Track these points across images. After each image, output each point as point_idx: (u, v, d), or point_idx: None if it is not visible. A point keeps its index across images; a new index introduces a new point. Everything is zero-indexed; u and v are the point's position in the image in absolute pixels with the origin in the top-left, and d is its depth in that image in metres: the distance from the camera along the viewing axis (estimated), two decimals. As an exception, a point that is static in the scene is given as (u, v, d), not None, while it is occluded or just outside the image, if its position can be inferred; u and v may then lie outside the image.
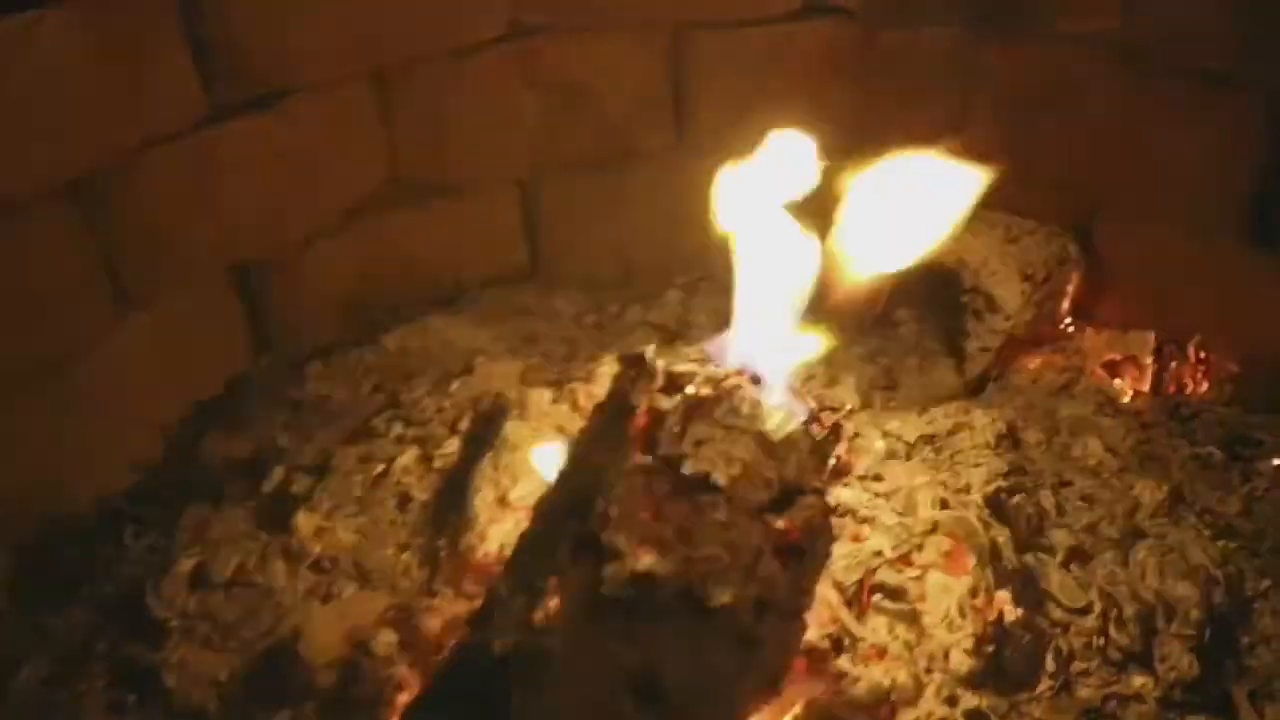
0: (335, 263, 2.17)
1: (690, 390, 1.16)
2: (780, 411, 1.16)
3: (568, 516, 1.16)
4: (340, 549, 1.65)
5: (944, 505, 1.58)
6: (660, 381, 1.18)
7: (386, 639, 1.46)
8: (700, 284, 2.29)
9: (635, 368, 1.18)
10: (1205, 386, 2.11)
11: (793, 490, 1.16)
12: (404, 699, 1.37)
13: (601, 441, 1.19)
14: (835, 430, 1.31)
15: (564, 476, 1.24)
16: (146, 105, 1.79)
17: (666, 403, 1.15)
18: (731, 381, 1.16)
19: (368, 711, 1.39)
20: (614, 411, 1.19)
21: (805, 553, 1.18)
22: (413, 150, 2.18)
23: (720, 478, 1.12)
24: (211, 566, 1.67)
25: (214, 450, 1.92)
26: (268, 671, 1.52)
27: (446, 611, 1.49)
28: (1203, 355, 2.14)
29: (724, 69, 2.26)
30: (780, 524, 1.14)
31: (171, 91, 1.84)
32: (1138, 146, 2.09)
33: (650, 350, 1.18)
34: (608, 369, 1.69)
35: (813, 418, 1.23)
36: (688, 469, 1.12)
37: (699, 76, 2.29)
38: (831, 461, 1.22)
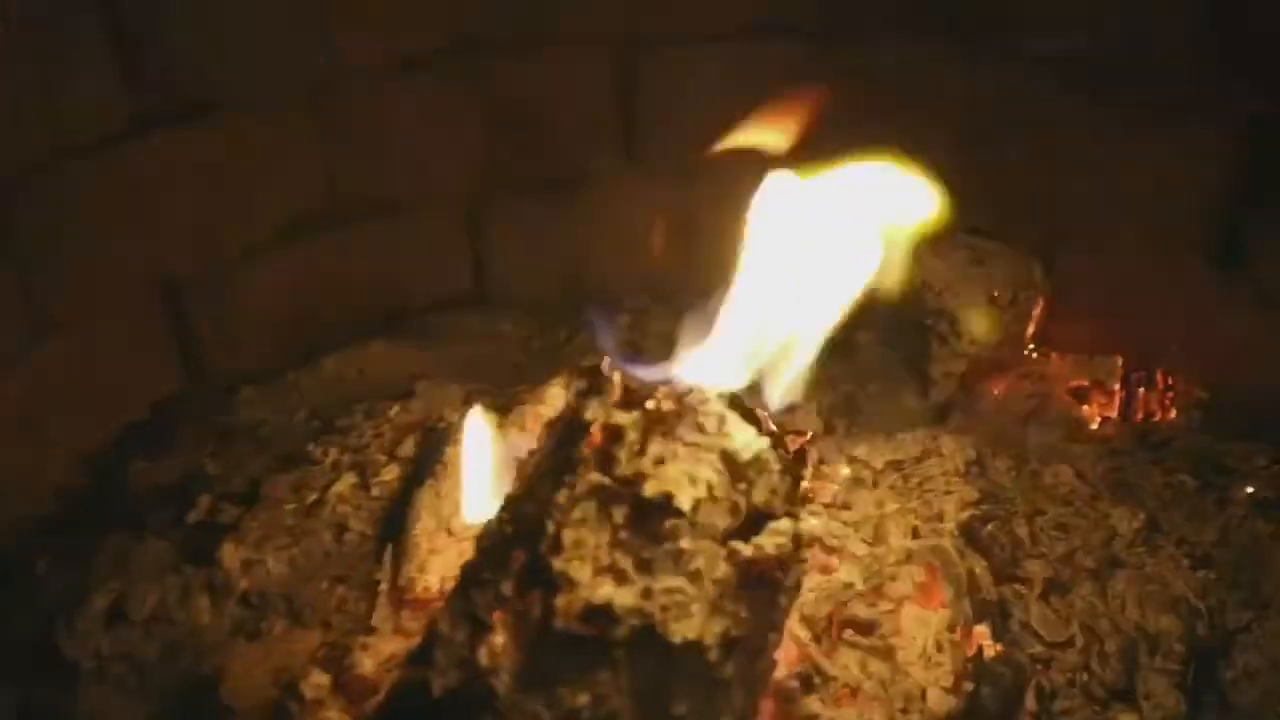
0: (269, 284, 2.06)
1: (650, 405, 1.06)
2: (747, 429, 1.06)
3: (515, 545, 1.06)
4: (269, 583, 1.55)
5: (916, 534, 1.49)
6: (617, 395, 1.08)
7: (317, 680, 1.34)
8: (651, 309, 2.20)
9: (589, 380, 1.08)
10: (1174, 413, 2.06)
11: (762, 515, 1.07)
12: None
13: (552, 463, 1.08)
14: (801, 454, 1.22)
15: (511, 502, 1.13)
16: (63, 111, 1.67)
17: (624, 418, 1.05)
18: (695, 396, 1.06)
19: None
20: (565, 429, 1.09)
21: (775, 584, 1.09)
22: (351, 167, 2.06)
23: (684, 501, 1.02)
24: (129, 602, 1.56)
25: (137, 478, 1.81)
26: (187, 716, 1.42)
27: (383, 650, 1.38)
28: (1170, 381, 2.09)
29: (675, 87, 2.18)
30: (748, 552, 1.04)
31: (91, 97, 1.72)
32: (1100, 169, 2.03)
33: (605, 362, 1.08)
34: (558, 390, 1.59)
35: (781, 437, 1.14)
36: (648, 491, 1.02)
37: (650, 95, 2.20)
38: (803, 485, 1.12)
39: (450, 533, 1.49)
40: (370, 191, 2.12)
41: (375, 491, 1.66)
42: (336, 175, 2.07)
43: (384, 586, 1.52)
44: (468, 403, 1.75)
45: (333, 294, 2.13)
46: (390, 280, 2.19)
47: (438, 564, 1.48)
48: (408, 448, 1.72)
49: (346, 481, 1.68)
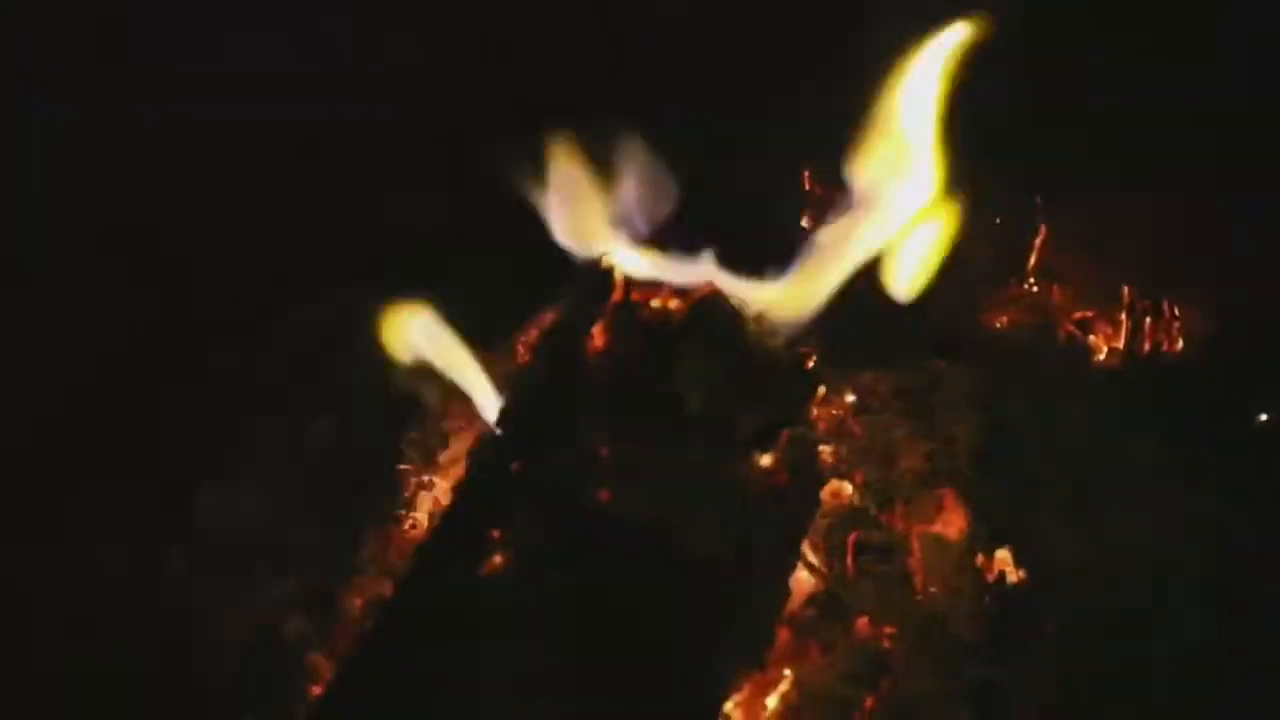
0: (248, 226, 1.96)
1: (656, 304, 0.98)
2: (762, 329, 0.98)
3: (513, 459, 0.98)
4: (247, 526, 1.46)
5: (929, 459, 1.41)
6: (619, 295, 0.99)
7: (299, 625, 1.26)
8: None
9: (590, 279, 1.00)
10: (1181, 343, 1.99)
11: (777, 423, 0.99)
12: (319, 689, 1.18)
13: (551, 370, 1.00)
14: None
15: (506, 416, 1.05)
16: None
17: (629, 317, 0.96)
18: (706, 293, 0.98)
19: (277, 704, 1.19)
20: (565, 333, 1.00)
21: (792, 498, 1.01)
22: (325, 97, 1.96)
23: (694, 404, 0.93)
24: (102, 553, 1.47)
25: (106, 425, 1.70)
26: (163, 666, 1.32)
27: (369, 591, 1.30)
28: (1176, 310, 2.02)
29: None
30: (765, 461, 0.96)
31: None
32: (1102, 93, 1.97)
33: (608, 257, 1.00)
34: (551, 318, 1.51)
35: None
36: (656, 394, 0.93)
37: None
38: (821, 390, 1.05)
39: (438, 468, 1.41)
40: (348, 125, 2.01)
41: (357, 430, 1.57)
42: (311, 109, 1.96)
43: (369, 526, 1.43)
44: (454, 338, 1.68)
45: (308, 236, 2.02)
46: (367, 221, 2.09)
47: (425, 501, 1.40)
48: (389, 384, 1.63)
49: (326, 423, 1.60)
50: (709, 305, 0.97)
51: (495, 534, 0.93)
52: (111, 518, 1.54)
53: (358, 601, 1.31)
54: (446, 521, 1.00)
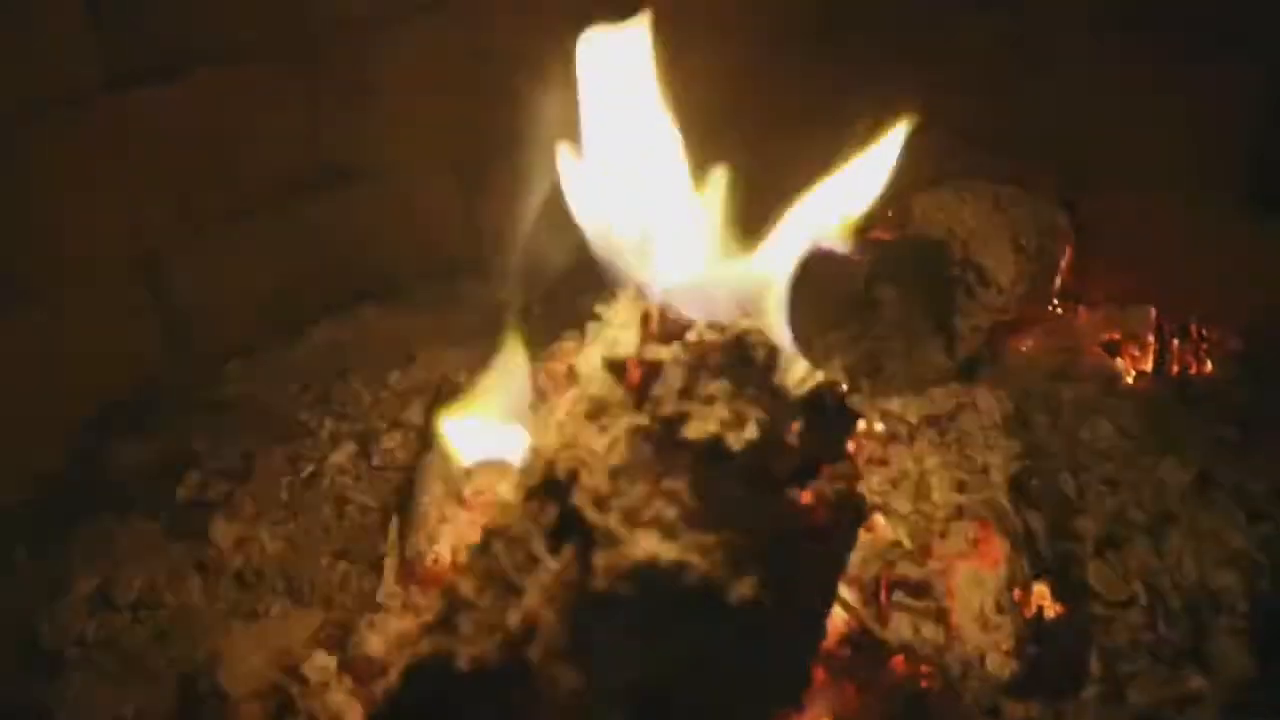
0: (255, 252, 1.93)
1: (692, 337, 0.95)
2: (800, 362, 0.95)
3: (545, 498, 0.94)
4: (265, 560, 1.46)
5: (963, 489, 1.38)
6: (655, 328, 0.96)
7: (321, 661, 1.23)
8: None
9: (623, 310, 0.97)
10: (1209, 365, 1.97)
11: (816, 459, 0.96)
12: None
13: (582, 405, 0.97)
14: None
15: (536, 454, 1.02)
16: (31, 65, 1.55)
17: (664, 352, 0.94)
18: (741, 325, 0.95)
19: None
20: (598, 369, 0.97)
21: (830, 537, 0.98)
22: (337, 131, 1.93)
23: (733, 443, 0.90)
24: (115, 586, 1.47)
25: (120, 457, 1.69)
26: (182, 706, 1.30)
27: (392, 628, 1.27)
28: (1204, 332, 1.99)
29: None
30: (804, 499, 0.93)
31: (62, 50, 1.60)
32: (1130, 110, 1.94)
33: (642, 290, 0.97)
34: (571, 344, 1.48)
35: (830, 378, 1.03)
36: (692, 433, 0.90)
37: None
38: (860, 425, 1.01)
39: (462, 500, 1.38)
40: (356, 157, 1.99)
41: (377, 461, 1.56)
42: (321, 140, 1.94)
43: (390, 560, 1.41)
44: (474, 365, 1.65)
45: (320, 263, 2.00)
46: (380, 248, 2.07)
47: (449, 534, 1.37)
48: (413, 414, 1.61)
49: (345, 451, 1.58)
50: (745, 340, 0.94)
51: (525, 579, 0.90)
52: (123, 550, 1.52)
53: (379, 639, 1.27)
54: (473, 563, 0.96)
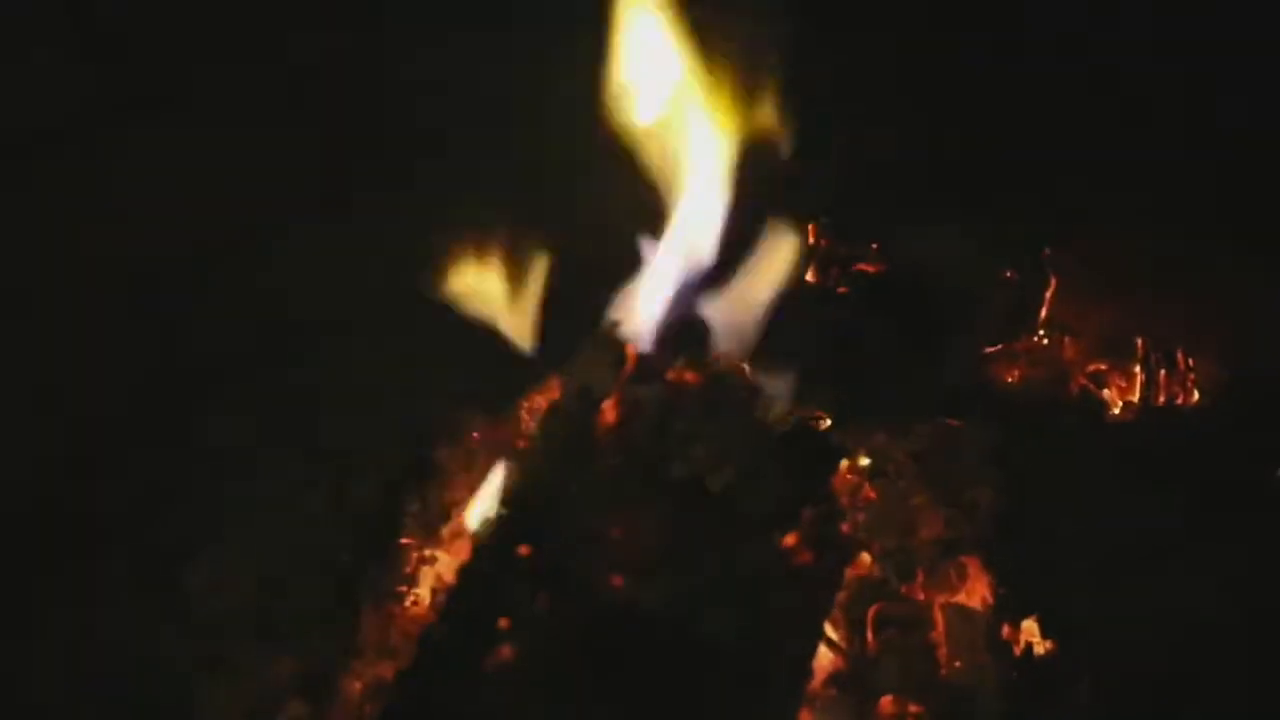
0: (238, 284, 1.91)
1: (671, 376, 0.93)
2: (782, 400, 0.93)
3: (521, 541, 0.92)
4: (239, 605, 1.40)
5: (949, 525, 1.36)
6: (631, 366, 0.94)
7: (295, 709, 1.20)
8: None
9: (600, 350, 0.95)
10: (1196, 395, 1.95)
11: (800, 498, 0.94)
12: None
13: (560, 446, 0.95)
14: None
15: (513, 495, 1.00)
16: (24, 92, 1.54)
17: (642, 391, 0.92)
18: (722, 364, 0.93)
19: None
20: (574, 408, 0.95)
21: (815, 575, 0.96)
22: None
23: (713, 483, 0.88)
24: (86, 633, 1.41)
25: (94, 494, 1.64)
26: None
27: (369, 674, 1.24)
28: (1191, 362, 1.98)
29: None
30: (788, 539, 0.91)
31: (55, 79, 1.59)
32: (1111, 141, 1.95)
33: (617, 327, 0.95)
34: (556, 382, 1.46)
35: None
36: (674, 473, 0.88)
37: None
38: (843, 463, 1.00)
39: (441, 540, 1.35)
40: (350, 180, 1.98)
41: (355, 502, 1.52)
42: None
43: (367, 604, 1.38)
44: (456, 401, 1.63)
45: (302, 295, 1.98)
46: (366, 280, 2.05)
47: (428, 577, 1.34)
48: (391, 453, 1.58)
49: (323, 490, 1.54)
50: (725, 379, 0.92)
51: (503, 623, 0.88)
52: (95, 594, 1.49)
53: (357, 685, 1.24)
54: (450, 608, 0.94)
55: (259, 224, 1.91)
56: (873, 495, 1.45)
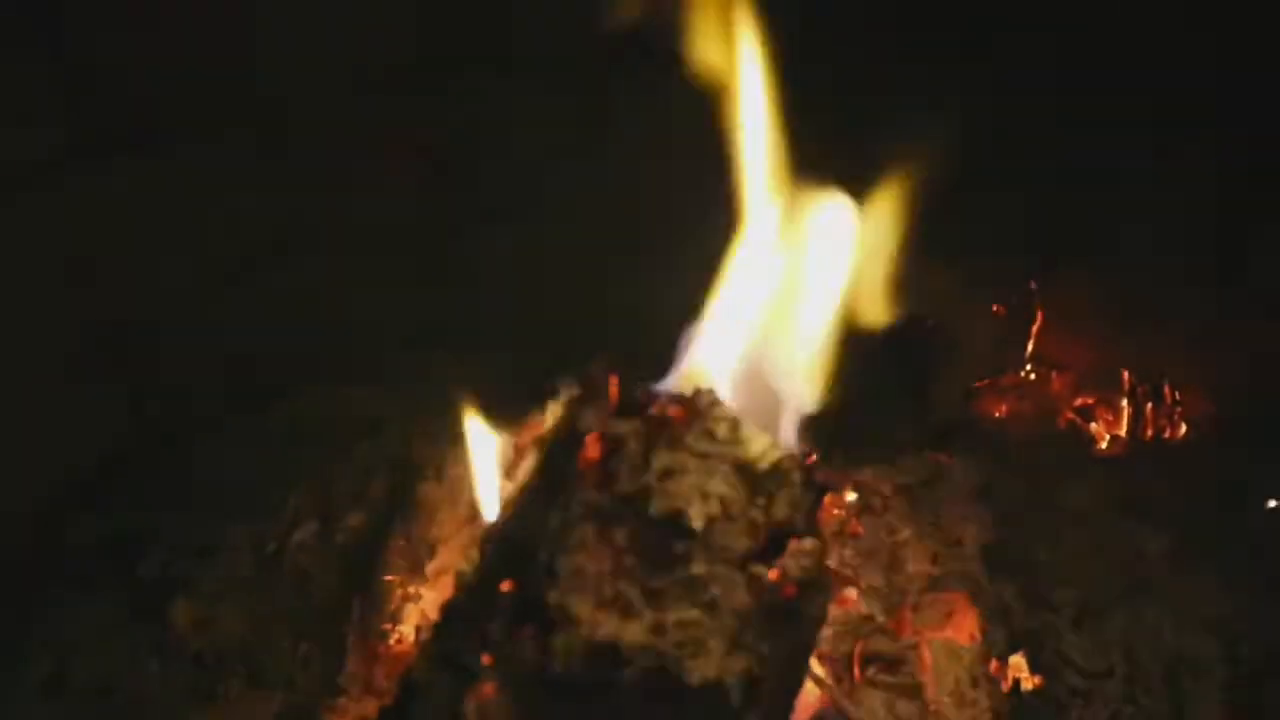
0: (222, 324, 1.91)
1: (653, 412, 0.93)
2: (763, 436, 0.93)
3: (503, 578, 0.92)
4: (225, 642, 1.41)
5: (936, 561, 1.36)
6: (613, 403, 0.95)
7: (281, 747, 1.20)
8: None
9: (583, 387, 0.95)
10: (1183, 428, 1.96)
11: (782, 534, 0.94)
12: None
13: (542, 482, 0.95)
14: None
15: (495, 532, 1.00)
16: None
17: (624, 427, 0.92)
18: (703, 399, 0.94)
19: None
20: (557, 445, 0.96)
21: (798, 614, 0.96)
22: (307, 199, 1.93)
23: (695, 519, 0.89)
24: (71, 668, 1.42)
25: (79, 533, 1.64)
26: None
27: (354, 711, 1.23)
28: (1178, 395, 1.99)
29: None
30: (771, 576, 0.91)
31: (26, 122, 1.59)
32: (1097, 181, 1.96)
33: (600, 365, 0.96)
34: (539, 418, 1.46)
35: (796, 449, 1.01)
36: (654, 509, 0.89)
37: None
38: (827, 498, 1.00)
39: (426, 577, 1.35)
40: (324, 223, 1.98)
41: (340, 538, 1.52)
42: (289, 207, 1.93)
43: (352, 640, 1.37)
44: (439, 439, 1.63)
45: (288, 334, 1.98)
46: (350, 317, 2.05)
47: (413, 613, 1.34)
48: (376, 489, 1.58)
49: (308, 529, 1.54)
50: (708, 413, 0.93)
51: (485, 660, 0.87)
52: (80, 631, 1.48)
53: (342, 723, 1.23)
54: (432, 646, 0.94)
55: (237, 265, 1.91)
56: (859, 530, 1.45)
